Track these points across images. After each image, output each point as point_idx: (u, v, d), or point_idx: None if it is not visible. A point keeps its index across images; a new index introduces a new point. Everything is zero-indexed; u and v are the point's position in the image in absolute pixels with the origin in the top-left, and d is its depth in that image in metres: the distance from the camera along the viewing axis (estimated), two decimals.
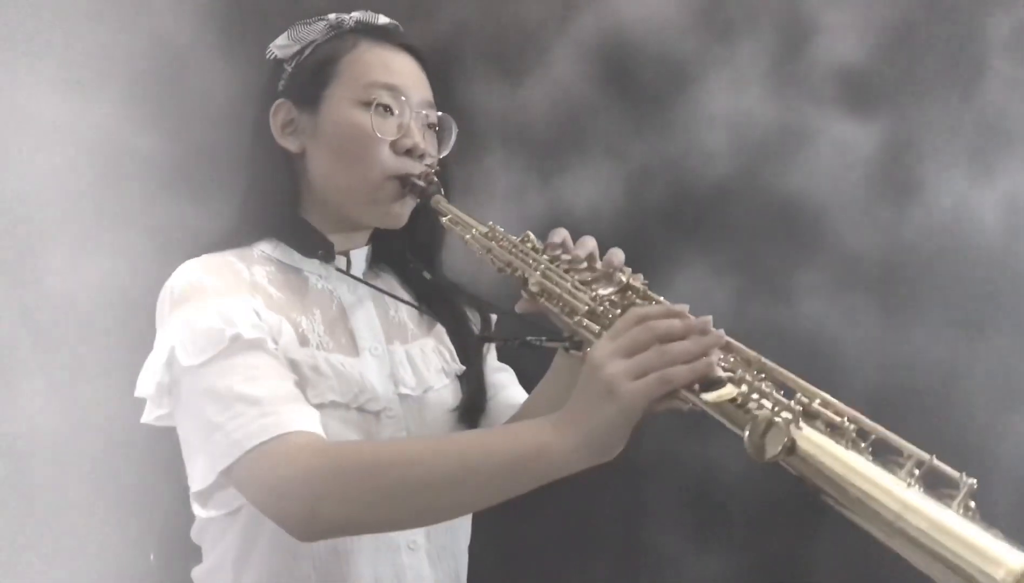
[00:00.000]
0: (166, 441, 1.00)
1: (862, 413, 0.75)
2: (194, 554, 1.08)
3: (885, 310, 1.82)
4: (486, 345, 1.18)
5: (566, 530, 1.77)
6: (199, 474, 0.92)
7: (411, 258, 1.16)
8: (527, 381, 1.17)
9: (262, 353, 0.93)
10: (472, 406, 1.11)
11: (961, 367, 1.80)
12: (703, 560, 1.81)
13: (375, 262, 1.15)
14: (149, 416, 0.98)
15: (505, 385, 1.18)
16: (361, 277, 1.11)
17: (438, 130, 1.11)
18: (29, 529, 1.60)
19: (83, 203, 1.65)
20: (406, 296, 1.15)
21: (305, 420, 0.90)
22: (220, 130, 1.69)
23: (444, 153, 1.11)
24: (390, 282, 1.16)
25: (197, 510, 0.98)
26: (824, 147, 1.83)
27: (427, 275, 1.15)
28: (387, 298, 1.13)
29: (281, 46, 1.09)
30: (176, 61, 1.72)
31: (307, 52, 1.08)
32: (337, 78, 1.05)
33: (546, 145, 1.83)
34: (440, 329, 1.15)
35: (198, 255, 1.03)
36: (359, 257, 1.11)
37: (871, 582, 1.89)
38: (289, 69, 1.09)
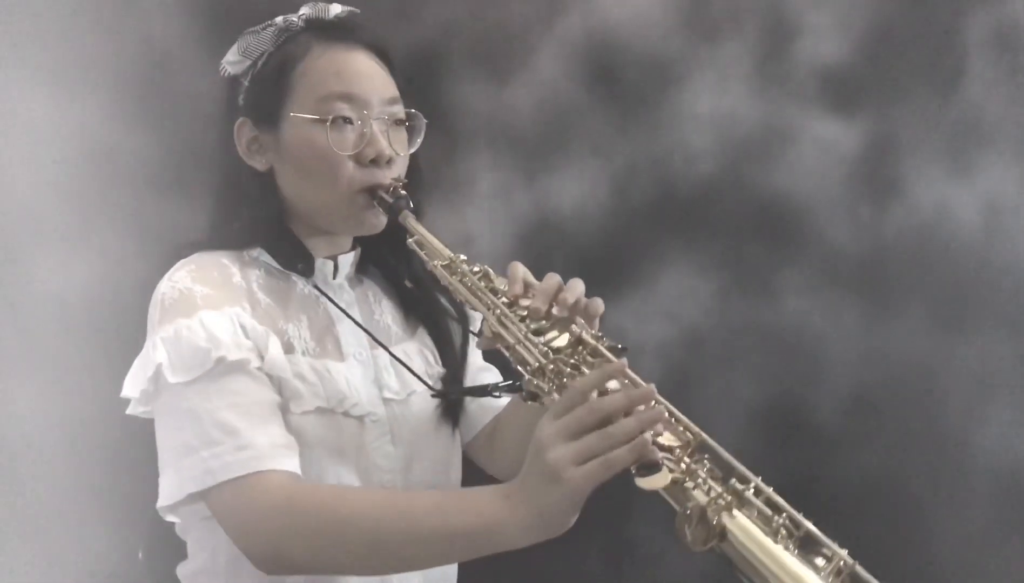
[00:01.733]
0: (152, 438, 1.01)
1: (790, 503, 0.79)
2: (183, 552, 1.09)
3: (866, 307, 1.84)
4: (470, 345, 1.18)
5: None
6: (166, 490, 0.94)
7: (395, 262, 1.16)
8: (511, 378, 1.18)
9: (245, 376, 0.95)
10: (452, 407, 1.12)
11: (941, 363, 1.83)
12: (688, 556, 1.82)
13: (362, 265, 1.16)
14: (135, 410, 1.00)
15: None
16: (346, 282, 1.11)
17: (408, 125, 1.09)
18: (17, 528, 1.60)
19: (71, 203, 1.65)
20: (388, 302, 1.16)
21: (280, 457, 0.92)
22: (208, 130, 1.68)
23: (413, 149, 1.09)
24: (374, 287, 1.17)
25: (168, 517, 1.00)
26: (807, 146, 1.85)
27: (408, 284, 1.16)
28: (371, 300, 1.14)
29: (233, 62, 1.07)
30: (164, 61, 1.71)
31: (260, 64, 1.06)
32: (291, 93, 1.03)
33: (532, 145, 1.84)
34: (423, 332, 1.17)
35: (186, 255, 1.04)
36: (346, 262, 1.12)
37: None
38: (246, 84, 1.07)
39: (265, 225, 1.06)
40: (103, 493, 1.62)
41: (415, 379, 1.09)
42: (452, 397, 1.12)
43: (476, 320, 1.21)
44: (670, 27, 1.85)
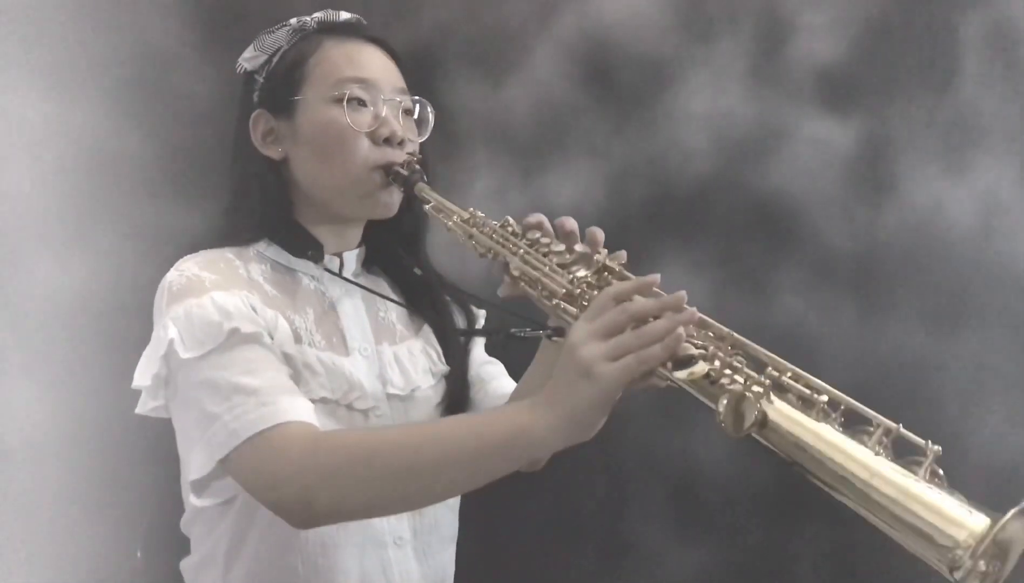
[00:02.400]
0: (151, 437, 1.02)
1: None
2: (181, 550, 1.09)
3: (861, 305, 1.84)
4: (472, 342, 1.19)
5: (550, 524, 1.79)
6: (197, 463, 0.93)
7: (402, 254, 1.17)
8: (516, 373, 1.18)
9: (259, 347, 0.95)
10: (456, 405, 1.13)
11: (935, 361, 1.83)
12: (684, 553, 1.83)
13: (368, 263, 1.17)
14: (144, 407, 1.00)
15: (494, 377, 1.20)
16: (352, 278, 1.12)
17: (416, 115, 1.12)
18: (16, 528, 1.60)
19: (68, 204, 1.65)
20: (395, 297, 1.16)
21: (301, 410, 0.92)
22: (204, 132, 1.69)
23: (424, 136, 1.12)
24: (380, 284, 1.18)
25: (192, 500, 0.99)
26: (802, 145, 1.85)
27: (417, 271, 1.17)
28: (377, 299, 1.14)
29: (249, 58, 1.11)
30: (160, 63, 1.72)
31: (275, 60, 1.09)
32: (307, 81, 1.06)
33: (528, 144, 1.84)
34: (428, 330, 1.17)
35: (183, 255, 1.04)
36: (351, 258, 1.13)
37: (850, 574, 1.92)
38: (260, 79, 1.10)
39: (275, 215, 1.08)
40: (101, 493, 1.62)
41: (418, 375, 1.10)
42: (477, 336, 1.13)
43: (481, 318, 1.22)
44: (665, 27, 1.86)
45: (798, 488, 1.90)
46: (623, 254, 0.95)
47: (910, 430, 0.77)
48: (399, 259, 1.17)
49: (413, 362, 1.11)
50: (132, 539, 1.42)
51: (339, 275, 1.10)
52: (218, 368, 0.93)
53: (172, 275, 1.00)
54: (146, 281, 1.02)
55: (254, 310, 0.98)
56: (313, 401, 0.98)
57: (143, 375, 0.98)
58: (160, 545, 1.15)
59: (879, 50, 1.84)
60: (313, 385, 1.00)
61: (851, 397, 0.79)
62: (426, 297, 1.17)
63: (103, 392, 1.37)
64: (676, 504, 1.82)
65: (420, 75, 1.13)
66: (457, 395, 1.13)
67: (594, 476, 1.81)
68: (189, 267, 1.00)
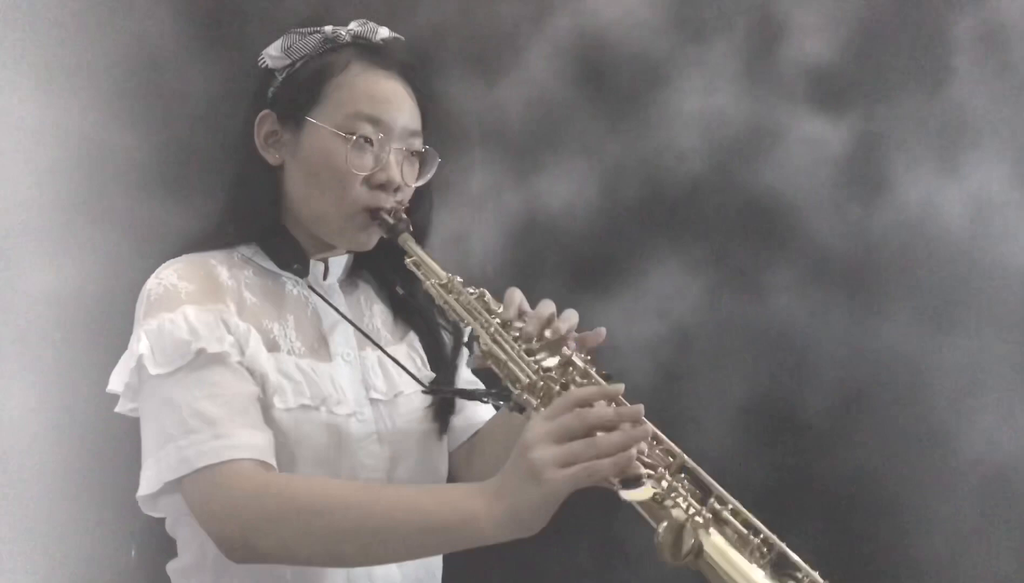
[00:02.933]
0: None
1: (765, 523, 0.82)
2: (175, 550, 1.09)
3: (854, 304, 1.85)
4: (458, 356, 1.19)
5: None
6: (145, 480, 0.95)
7: (388, 272, 1.17)
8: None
9: (224, 369, 0.96)
10: (441, 410, 1.13)
11: (927, 360, 1.84)
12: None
13: (355, 268, 1.17)
14: (123, 408, 1.02)
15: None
16: (337, 284, 1.12)
17: (421, 159, 1.10)
18: (10, 527, 1.60)
19: (62, 203, 1.65)
20: (381, 305, 1.17)
21: (256, 447, 0.93)
22: (199, 130, 1.70)
23: (421, 182, 1.11)
24: (367, 290, 1.18)
25: (146, 510, 1.01)
26: (795, 145, 1.86)
27: (400, 291, 1.17)
28: (362, 302, 1.15)
29: (274, 56, 1.08)
30: (155, 61, 1.72)
31: (299, 64, 1.07)
32: (323, 102, 1.05)
33: (522, 144, 1.85)
34: (413, 336, 1.17)
35: (177, 255, 1.05)
36: (337, 264, 1.13)
37: (843, 575, 1.93)
38: (279, 80, 1.08)
39: (264, 220, 1.08)
40: (95, 492, 1.62)
41: (402, 380, 1.10)
42: (441, 395, 1.13)
43: (467, 330, 1.22)
44: (659, 27, 1.87)
45: (791, 490, 1.92)
46: (600, 333, 0.97)
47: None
48: (385, 271, 1.17)
49: (397, 367, 1.11)
50: (126, 538, 1.42)
51: (321, 296, 1.09)
52: (182, 388, 0.94)
53: (151, 283, 1.00)
54: (140, 280, 1.02)
55: (226, 325, 0.98)
56: (291, 408, 0.99)
57: (117, 381, 1.00)
58: (154, 544, 1.15)
59: (871, 50, 1.85)
60: (290, 393, 1.00)
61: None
62: (412, 304, 1.17)
63: (97, 391, 1.36)
64: None
65: (426, 84, 1.12)
66: (442, 403, 1.13)
67: None
68: (168, 276, 1.00)
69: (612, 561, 1.84)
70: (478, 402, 1.18)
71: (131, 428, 1.02)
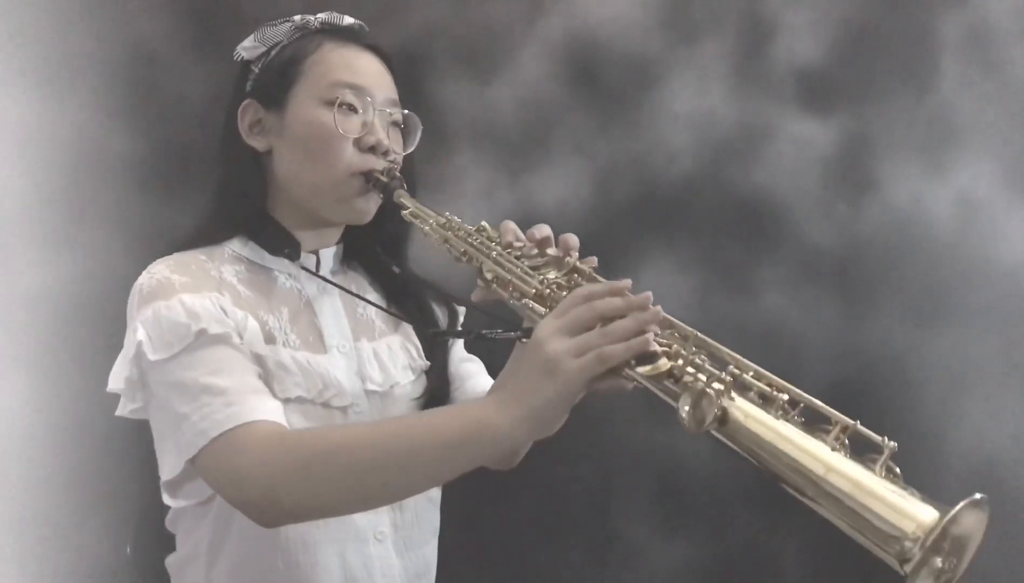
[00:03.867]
0: (141, 434, 1.02)
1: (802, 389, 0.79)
2: (171, 546, 1.10)
3: (843, 302, 1.87)
4: (451, 340, 1.20)
5: (535, 517, 1.80)
6: (168, 464, 0.95)
7: (380, 253, 1.18)
8: (496, 371, 1.20)
9: (227, 347, 0.96)
10: (435, 401, 1.13)
11: (916, 356, 1.86)
12: (670, 548, 1.85)
13: (346, 259, 1.17)
14: (123, 409, 1.01)
15: (472, 374, 1.21)
16: (329, 275, 1.13)
17: (403, 128, 1.13)
18: (6, 523, 1.60)
19: (56, 202, 1.66)
20: (374, 295, 1.17)
21: (268, 410, 0.93)
22: (193, 129, 1.70)
23: (409, 149, 1.13)
24: (359, 280, 1.18)
25: (168, 500, 1.01)
26: (784, 145, 1.88)
27: (396, 270, 1.18)
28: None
29: (248, 48, 1.11)
30: (150, 62, 1.73)
31: (273, 53, 1.10)
32: (302, 78, 1.07)
33: (514, 144, 1.86)
34: (407, 326, 1.18)
35: (171, 253, 1.05)
36: (328, 255, 1.13)
37: (833, 567, 1.94)
38: (256, 70, 1.10)
39: (253, 211, 1.09)
40: (92, 488, 1.62)
41: (397, 371, 1.11)
42: (448, 336, 1.14)
43: (461, 315, 1.23)
44: (650, 28, 1.88)
45: (781, 486, 1.92)
46: (594, 259, 0.97)
47: (894, 424, 0.78)
48: (377, 256, 1.18)
49: (392, 358, 1.12)
50: (123, 535, 1.42)
51: (315, 274, 1.10)
52: (186, 369, 0.94)
53: (143, 278, 1.01)
54: (134, 279, 1.02)
55: (223, 311, 0.98)
56: (288, 400, 0.99)
57: (116, 379, 0.99)
58: (150, 540, 1.15)
59: (859, 51, 1.87)
60: (287, 384, 1.00)
61: (829, 392, 0.80)
62: (405, 293, 1.18)
63: (93, 389, 1.36)
64: (661, 498, 1.84)
65: (408, 74, 1.14)
66: (437, 391, 1.14)
67: (580, 469, 1.83)
68: (159, 270, 1.00)
69: (606, 556, 1.85)
70: (477, 379, 1.20)
71: (126, 425, 1.02)
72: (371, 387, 1.08)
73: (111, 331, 1.06)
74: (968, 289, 1.86)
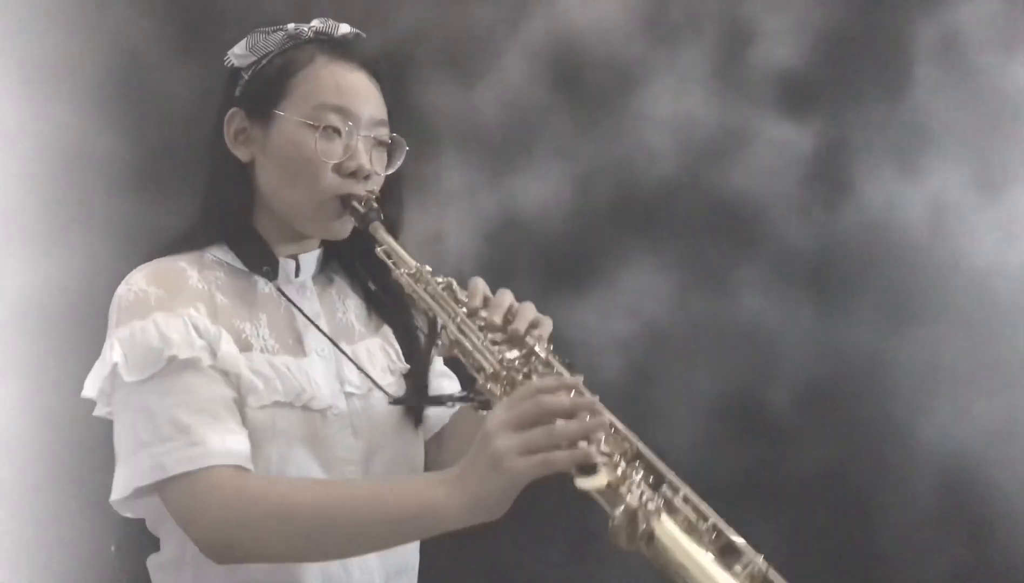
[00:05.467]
0: None
1: (713, 507, 0.84)
2: (155, 545, 1.10)
3: (819, 302, 1.90)
4: (433, 348, 1.21)
5: (515, 517, 1.81)
6: (118, 484, 0.97)
7: (360, 267, 1.18)
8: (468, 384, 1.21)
9: (197, 374, 0.98)
10: (414, 407, 1.15)
11: (888, 357, 1.89)
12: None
13: (327, 263, 1.18)
14: (100, 411, 1.03)
15: (445, 389, 1.21)
16: (310, 281, 1.14)
17: (389, 148, 1.12)
18: None
19: (42, 203, 1.65)
20: (355, 299, 1.18)
21: (231, 453, 0.96)
22: (179, 131, 1.70)
23: (391, 170, 1.12)
24: (340, 285, 1.19)
25: (124, 513, 1.03)
26: (762, 148, 1.91)
27: (372, 286, 1.19)
28: (335, 297, 1.16)
29: (239, 55, 1.10)
30: (135, 63, 1.72)
31: (263, 63, 1.08)
32: (289, 96, 1.06)
33: (497, 146, 1.87)
34: (387, 328, 1.19)
35: (157, 255, 1.06)
36: (308, 261, 1.14)
37: (806, 564, 1.98)
38: (245, 78, 1.09)
39: (235, 221, 1.09)
40: (76, 489, 1.62)
41: (377, 373, 1.12)
42: (408, 404, 1.14)
43: (439, 326, 1.24)
44: (631, 32, 1.90)
45: (758, 482, 1.96)
46: (548, 325, 1.00)
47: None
48: (356, 268, 1.19)
49: (372, 361, 1.13)
50: (107, 534, 1.42)
51: (290, 300, 1.10)
52: (155, 396, 0.96)
53: (122, 289, 1.02)
54: (120, 280, 1.03)
55: (196, 329, 0.99)
56: (265, 406, 1.01)
57: (91, 386, 1.01)
58: (135, 540, 1.16)
59: (836, 56, 1.90)
60: (264, 391, 1.01)
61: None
62: (386, 299, 1.18)
63: (77, 390, 1.36)
64: None
65: (392, 77, 1.14)
66: (416, 392, 1.15)
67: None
68: (138, 281, 1.01)
69: (584, 555, 1.87)
70: (452, 381, 1.21)
71: (110, 428, 1.03)
72: (349, 389, 1.09)
73: (97, 332, 1.07)
74: (939, 290, 1.90)
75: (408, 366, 1.16)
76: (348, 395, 1.09)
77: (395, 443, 1.12)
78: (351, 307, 1.17)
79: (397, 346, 1.18)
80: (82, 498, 1.62)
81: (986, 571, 1.85)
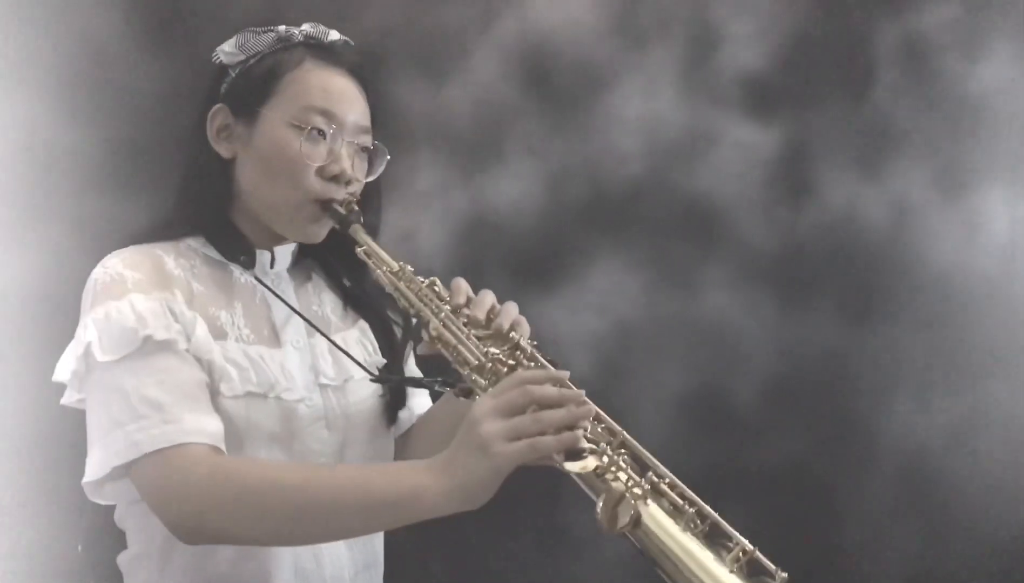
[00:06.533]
0: None
1: (700, 496, 0.86)
2: (122, 544, 1.09)
3: (782, 301, 1.93)
4: (409, 344, 1.21)
5: (486, 510, 1.82)
6: (92, 466, 0.96)
7: (335, 264, 1.19)
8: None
9: (172, 355, 0.97)
10: (393, 398, 1.15)
11: (850, 354, 1.93)
12: (617, 540, 1.89)
13: (302, 257, 1.18)
14: (69, 399, 1.02)
15: (417, 392, 1.23)
16: (285, 272, 1.14)
17: (371, 155, 1.12)
18: None
19: (9, 198, 1.63)
20: (330, 293, 1.19)
21: (205, 432, 0.95)
22: (146, 126, 1.69)
23: (371, 177, 1.13)
24: (316, 279, 1.19)
25: (94, 498, 1.02)
26: (728, 149, 1.93)
27: (347, 283, 1.19)
28: (311, 291, 1.17)
29: (227, 52, 1.10)
30: (102, 57, 1.71)
31: (252, 62, 1.09)
32: (276, 95, 1.07)
33: (468, 144, 1.88)
34: (363, 323, 1.19)
35: (127, 246, 1.05)
36: (284, 253, 1.14)
37: (773, 556, 2.01)
38: (232, 75, 1.10)
39: (212, 213, 1.09)
40: (41, 487, 1.61)
41: (352, 366, 1.12)
42: (390, 383, 1.15)
43: (413, 323, 1.24)
44: (601, 34, 1.92)
45: (723, 476, 1.98)
46: (526, 329, 1.00)
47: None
48: (331, 263, 1.19)
49: (347, 351, 1.12)
50: (74, 533, 1.41)
51: (267, 287, 1.10)
52: (130, 375, 0.95)
53: (98, 272, 1.01)
54: (86, 277, 1.03)
55: (172, 314, 0.99)
56: (238, 396, 1.01)
57: (63, 370, 1.01)
58: (102, 538, 1.15)
59: (800, 60, 1.93)
60: (237, 380, 1.01)
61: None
62: (362, 293, 1.19)
63: (42, 387, 1.35)
64: None
65: (377, 86, 1.15)
66: (393, 390, 1.15)
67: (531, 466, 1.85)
68: (114, 264, 1.01)
69: (555, 549, 1.88)
70: (421, 397, 1.21)
71: (76, 423, 1.03)
72: (324, 381, 1.09)
73: (62, 328, 1.06)
74: (900, 289, 1.93)
75: (384, 360, 1.16)
76: (323, 387, 1.09)
77: (368, 437, 1.13)
78: (327, 301, 1.18)
79: (374, 340, 1.18)
80: (47, 496, 1.61)
81: (945, 564, 1.89)
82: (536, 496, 1.91)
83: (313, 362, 1.10)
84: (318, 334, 1.11)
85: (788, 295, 1.93)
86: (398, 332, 1.20)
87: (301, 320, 1.11)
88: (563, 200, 1.90)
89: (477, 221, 1.88)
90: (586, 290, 1.90)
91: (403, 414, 1.20)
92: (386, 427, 1.16)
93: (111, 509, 1.10)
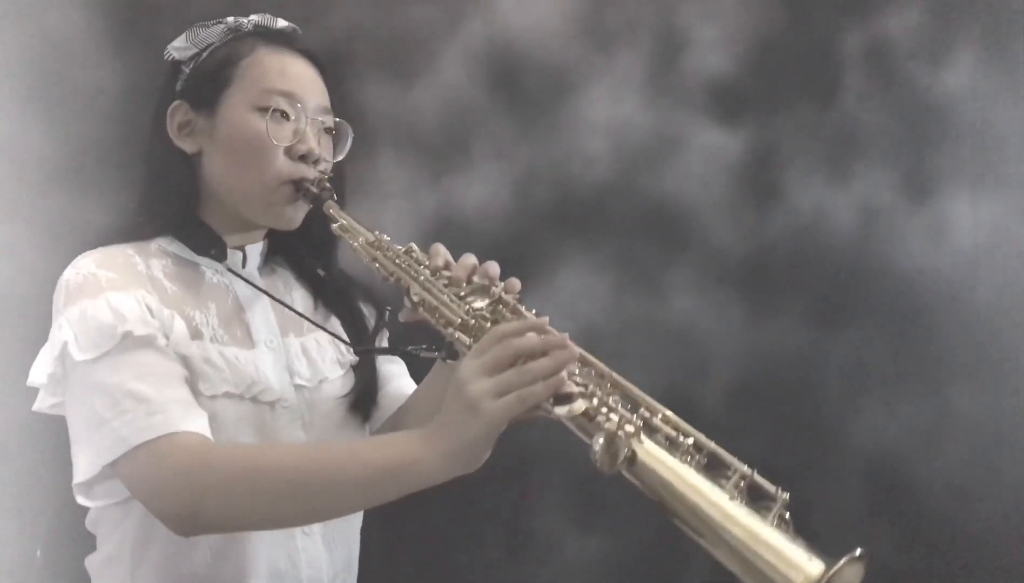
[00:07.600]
0: (53, 435, 1.01)
1: (698, 427, 0.85)
2: (82, 549, 1.08)
3: (749, 304, 1.94)
4: (379, 337, 1.21)
5: (455, 515, 1.82)
6: (82, 466, 0.95)
7: (306, 255, 1.18)
8: (417, 372, 1.21)
9: (152, 351, 0.96)
10: (364, 396, 1.15)
11: (817, 357, 1.94)
12: (584, 543, 1.90)
13: (271, 256, 1.18)
14: (42, 404, 1.01)
15: (395, 376, 1.22)
16: (256, 272, 1.13)
17: (334, 135, 1.13)
18: None
19: None
20: (301, 291, 1.18)
21: (192, 421, 0.94)
22: (109, 126, 1.67)
23: (339, 157, 1.13)
24: (286, 276, 1.18)
25: (82, 501, 1.00)
26: (694, 153, 1.94)
27: (321, 273, 1.18)
28: (282, 289, 1.16)
29: (179, 48, 1.10)
30: (64, 56, 1.69)
31: (205, 55, 1.09)
32: (235, 82, 1.06)
33: (436, 146, 1.88)
34: (335, 321, 1.18)
35: (87, 250, 1.04)
36: (254, 252, 1.13)
37: None
38: (187, 71, 1.09)
39: (180, 211, 1.08)
40: (2, 491, 1.58)
41: (326, 366, 1.12)
42: (375, 353, 1.15)
43: (386, 315, 1.23)
44: (568, 37, 1.92)
45: None
46: (516, 284, 0.99)
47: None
48: (303, 256, 1.18)
49: (321, 353, 1.12)
50: (33, 539, 1.39)
51: (241, 276, 1.10)
52: (111, 371, 0.93)
53: (69, 273, 1.00)
54: (50, 277, 1.02)
55: (150, 310, 0.98)
56: (215, 396, 1.00)
57: (39, 373, 0.98)
58: (61, 544, 1.14)
59: (767, 64, 1.94)
60: (215, 380, 1.00)
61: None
62: (333, 289, 1.19)
63: (3, 389, 1.34)
64: (576, 493, 1.88)
65: (335, 79, 1.14)
66: (366, 387, 1.15)
67: (499, 470, 1.85)
68: (86, 265, 0.99)
69: (521, 552, 1.88)
70: (400, 380, 1.21)
71: (38, 429, 1.01)
72: (299, 381, 1.09)
73: (24, 330, 1.05)
74: (867, 293, 1.95)
75: (357, 359, 1.16)
76: (298, 387, 1.08)
77: (344, 436, 1.12)
78: (297, 299, 1.17)
79: (346, 338, 1.17)
80: (7, 502, 1.58)
81: (912, 566, 1.90)
82: (503, 499, 1.92)
83: (287, 362, 1.09)
84: (291, 334, 1.11)
85: (755, 298, 1.93)
86: (370, 325, 1.19)
87: (274, 319, 1.10)
88: (530, 202, 1.90)
89: (444, 223, 1.87)
90: (553, 292, 1.90)
91: (384, 399, 1.19)
92: (361, 425, 1.16)
93: (74, 513, 1.08)
